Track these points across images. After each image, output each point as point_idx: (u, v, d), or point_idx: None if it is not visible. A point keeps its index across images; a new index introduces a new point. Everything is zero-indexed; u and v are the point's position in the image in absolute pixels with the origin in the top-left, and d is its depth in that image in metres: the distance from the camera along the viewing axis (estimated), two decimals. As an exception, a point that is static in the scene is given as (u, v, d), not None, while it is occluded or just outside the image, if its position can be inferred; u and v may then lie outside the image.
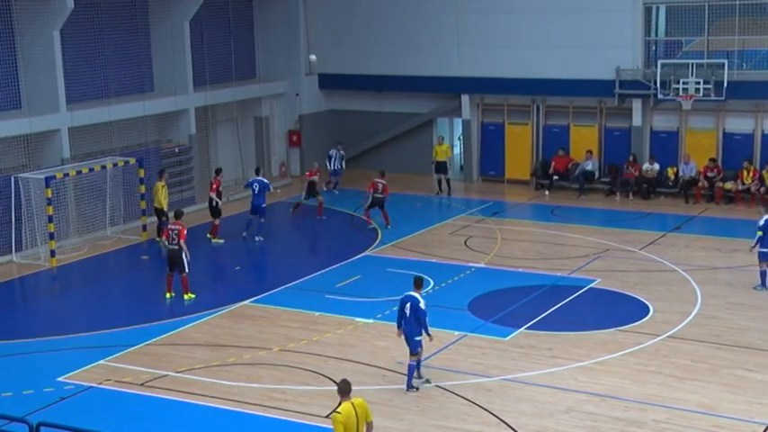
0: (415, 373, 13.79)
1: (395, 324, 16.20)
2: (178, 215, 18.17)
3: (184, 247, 17.54)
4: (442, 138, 27.94)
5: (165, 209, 21.48)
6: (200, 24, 26.12)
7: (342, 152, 27.42)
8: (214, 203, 22.14)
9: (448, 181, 26.67)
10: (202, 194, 25.89)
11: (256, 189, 21.82)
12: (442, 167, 26.63)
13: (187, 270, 17.65)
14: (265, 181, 22.36)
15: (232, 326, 16.49)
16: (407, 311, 13.61)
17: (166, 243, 18.10)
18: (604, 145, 26.97)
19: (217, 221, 22.18)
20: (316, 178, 24.37)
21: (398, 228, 22.78)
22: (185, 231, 17.62)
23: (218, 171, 23.08)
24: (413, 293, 13.71)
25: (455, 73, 27.90)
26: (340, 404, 9.91)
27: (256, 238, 21.84)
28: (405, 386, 13.65)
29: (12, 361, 15.02)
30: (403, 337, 13.75)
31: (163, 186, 21.53)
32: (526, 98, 27.57)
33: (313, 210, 24.35)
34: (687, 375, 14.06)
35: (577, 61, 26.19)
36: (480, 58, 27.49)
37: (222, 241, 21.94)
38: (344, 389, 9.97)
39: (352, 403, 9.89)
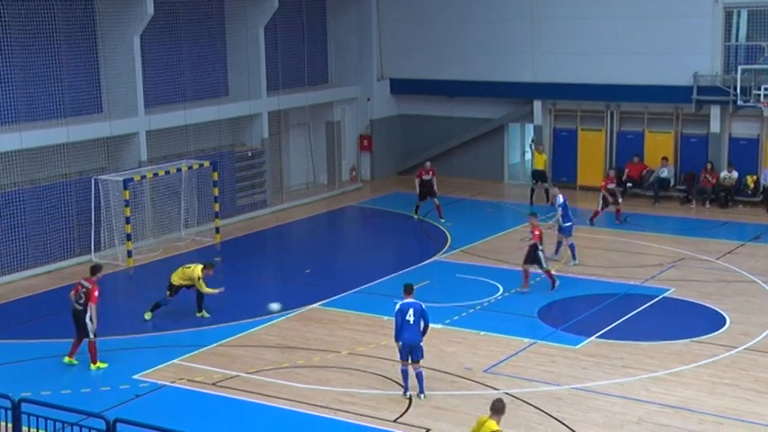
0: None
1: (464, 330, 16.39)
2: (94, 270, 14.87)
3: (92, 310, 14.49)
4: (543, 147, 26.89)
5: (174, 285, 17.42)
6: (275, 30, 26.46)
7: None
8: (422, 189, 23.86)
9: (546, 191, 25.41)
10: (274, 198, 26.26)
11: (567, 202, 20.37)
12: (540, 175, 26.19)
13: (92, 336, 14.63)
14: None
15: (301, 328, 16.65)
16: (412, 318, 13.41)
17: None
18: (680, 152, 26.38)
19: (437, 201, 23.86)
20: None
21: (469, 233, 22.68)
22: (96, 293, 14.49)
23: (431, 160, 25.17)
24: (411, 300, 13.60)
25: (528, 79, 27.66)
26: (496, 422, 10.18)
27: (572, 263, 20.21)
28: (419, 392, 13.52)
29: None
30: (405, 345, 13.46)
31: (199, 278, 17.01)
32: (600, 104, 27.17)
33: (385, 214, 24.39)
34: (766, 389, 13.65)
35: (654, 67, 25.70)
36: (554, 64, 27.20)
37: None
38: (496, 408, 10.29)
39: (485, 423, 10.13)
